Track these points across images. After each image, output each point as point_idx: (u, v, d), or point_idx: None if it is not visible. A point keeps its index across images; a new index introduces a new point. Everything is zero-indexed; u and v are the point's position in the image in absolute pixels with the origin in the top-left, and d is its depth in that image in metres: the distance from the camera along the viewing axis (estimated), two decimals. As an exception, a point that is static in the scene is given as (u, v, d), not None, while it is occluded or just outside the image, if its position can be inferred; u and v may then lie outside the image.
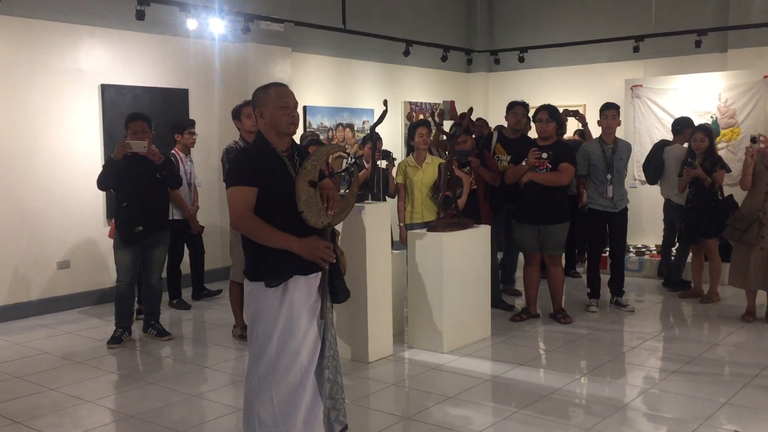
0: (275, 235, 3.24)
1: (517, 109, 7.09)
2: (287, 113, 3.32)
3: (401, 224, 6.40)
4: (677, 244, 7.70)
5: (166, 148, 6.64)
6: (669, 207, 7.59)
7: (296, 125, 3.39)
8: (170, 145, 6.93)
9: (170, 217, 6.79)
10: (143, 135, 5.71)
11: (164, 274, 6.65)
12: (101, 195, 7.10)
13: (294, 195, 3.24)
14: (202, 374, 5.23)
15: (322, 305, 3.37)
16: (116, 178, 5.75)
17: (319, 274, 3.37)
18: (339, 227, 4.98)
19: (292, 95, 3.38)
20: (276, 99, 3.33)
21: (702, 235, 6.96)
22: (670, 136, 8.38)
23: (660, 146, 7.71)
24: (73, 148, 7.17)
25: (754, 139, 6.09)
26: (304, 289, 3.32)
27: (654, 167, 7.59)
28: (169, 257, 6.84)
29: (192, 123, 7.16)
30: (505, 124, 7.27)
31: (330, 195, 3.32)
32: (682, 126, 7.60)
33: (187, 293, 7.46)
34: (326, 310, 3.42)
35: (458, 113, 6.96)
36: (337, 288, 3.46)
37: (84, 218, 7.26)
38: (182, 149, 7.02)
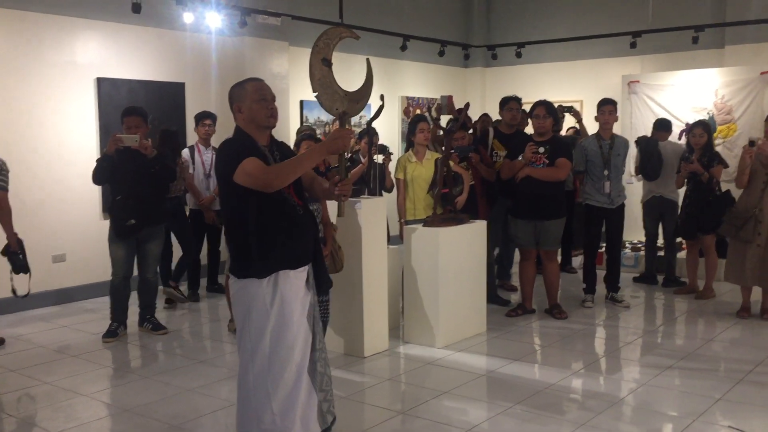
0: (301, 159, 3.27)
1: (512, 104, 7.11)
2: (265, 106, 3.31)
3: (401, 220, 6.39)
4: (662, 241, 7.70)
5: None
6: (662, 204, 7.54)
7: (276, 118, 3.37)
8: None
9: (190, 206, 7.19)
10: (137, 130, 5.70)
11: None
12: (97, 189, 7.08)
13: (281, 190, 3.26)
14: (198, 368, 5.23)
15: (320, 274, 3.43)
16: (110, 172, 5.74)
17: (306, 267, 3.40)
18: (335, 220, 4.98)
19: (269, 89, 3.38)
20: (253, 93, 3.32)
21: (699, 231, 6.97)
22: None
23: (654, 142, 7.52)
24: (69, 141, 7.15)
25: (752, 143, 6.07)
26: (294, 283, 3.32)
27: (656, 162, 7.39)
28: (187, 247, 7.11)
29: (205, 115, 7.22)
30: (496, 119, 7.28)
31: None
32: (666, 126, 7.65)
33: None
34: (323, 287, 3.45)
35: (456, 108, 6.96)
36: (321, 279, 3.49)
37: (80, 212, 7.24)
38: (201, 141, 7.21)
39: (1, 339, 5.83)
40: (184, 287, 7.31)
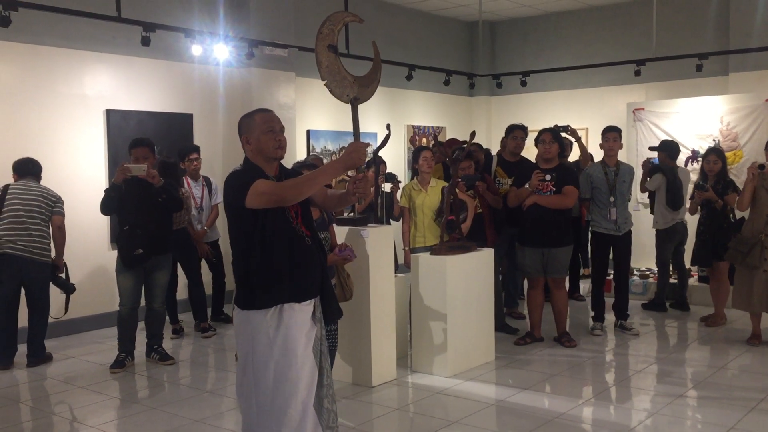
0: (317, 174, 3.25)
1: (516, 132, 7.14)
2: (273, 137, 3.31)
3: (406, 248, 6.40)
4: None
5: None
6: (683, 231, 7.55)
7: (283, 149, 3.36)
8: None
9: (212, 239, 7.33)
10: (145, 161, 5.75)
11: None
12: (106, 219, 7.12)
13: (288, 216, 3.26)
14: (205, 399, 5.21)
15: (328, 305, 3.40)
16: (118, 202, 5.78)
17: (313, 301, 3.37)
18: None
19: (277, 120, 3.38)
20: (261, 124, 3.32)
21: (714, 258, 6.95)
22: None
23: (674, 170, 7.38)
24: (79, 172, 7.21)
25: (762, 166, 6.06)
26: (300, 317, 3.28)
27: (679, 189, 7.27)
28: (196, 278, 7.11)
29: (192, 149, 7.20)
30: (495, 150, 7.31)
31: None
32: (676, 151, 7.63)
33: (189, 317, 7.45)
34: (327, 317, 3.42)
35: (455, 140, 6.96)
36: (328, 309, 3.46)
37: (88, 242, 7.27)
38: (189, 175, 7.14)
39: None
40: (185, 316, 7.31)
